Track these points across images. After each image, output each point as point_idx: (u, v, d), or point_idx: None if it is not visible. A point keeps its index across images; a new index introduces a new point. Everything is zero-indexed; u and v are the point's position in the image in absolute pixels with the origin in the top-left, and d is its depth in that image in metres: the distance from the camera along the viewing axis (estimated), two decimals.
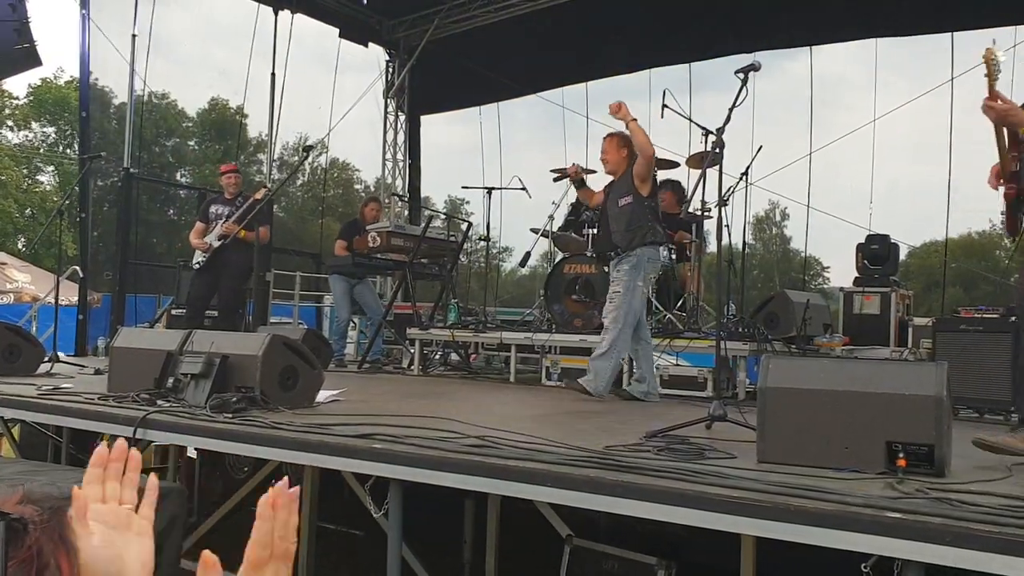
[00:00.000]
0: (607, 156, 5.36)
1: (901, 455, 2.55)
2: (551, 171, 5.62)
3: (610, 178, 5.55)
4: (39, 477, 3.35)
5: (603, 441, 3.18)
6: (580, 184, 5.92)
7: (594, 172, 7.81)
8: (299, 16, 10.48)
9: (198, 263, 7.20)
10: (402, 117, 11.99)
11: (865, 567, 2.13)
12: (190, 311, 7.32)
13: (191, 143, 31.45)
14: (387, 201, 11.02)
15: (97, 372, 5.74)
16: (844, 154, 10.35)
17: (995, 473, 2.71)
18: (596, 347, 5.12)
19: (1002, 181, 3.51)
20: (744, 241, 8.84)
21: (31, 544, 0.72)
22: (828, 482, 2.40)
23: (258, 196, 7.11)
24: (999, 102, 3.25)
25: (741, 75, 3.97)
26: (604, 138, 5.46)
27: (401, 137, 12.03)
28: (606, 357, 5.03)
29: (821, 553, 2.18)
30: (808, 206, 9.97)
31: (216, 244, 7.08)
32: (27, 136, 32.94)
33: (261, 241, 6.66)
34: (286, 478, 1.10)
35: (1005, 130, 3.42)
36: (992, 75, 3.28)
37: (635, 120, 5.05)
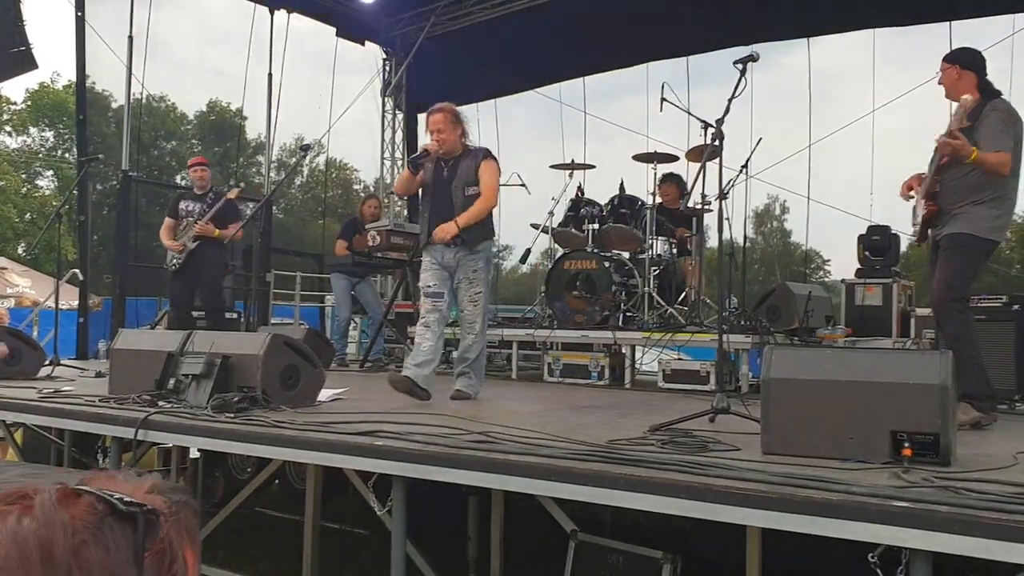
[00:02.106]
0: (445, 135, 4.70)
1: (906, 444, 2.53)
2: (410, 160, 5.01)
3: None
4: (42, 480, 3.34)
5: (606, 436, 3.17)
6: (419, 168, 5.01)
7: (593, 167, 7.83)
8: (295, 16, 10.46)
9: (175, 264, 7.14)
10: (399, 116, 11.96)
11: (872, 557, 2.12)
12: (176, 313, 7.27)
13: (193, 142, 31.47)
14: (386, 200, 11.00)
15: (98, 375, 5.73)
16: (843, 146, 10.31)
17: (1001, 461, 2.70)
18: (467, 351, 4.93)
19: (924, 200, 4.06)
20: (745, 235, 8.82)
21: (163, 536, 0.69)
22: (833, 472, 2.39)
23: (231, 196, 7.09)
24: (957, 140, 3.77)
25: (739, 66, 3.95)
26: (434, 112, 4.79)
27: (399, 136, 12.01)
28: (481, 358, 5.06)
29: (828, 544, 2.17)
30: (808, 198, 9.94)
31: (192, 246, 7.04)
32: (26, 141, 33.02)
33: (234, 240, 6.70)
34: None
35: (945, 159, 3.92)
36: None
37: None
